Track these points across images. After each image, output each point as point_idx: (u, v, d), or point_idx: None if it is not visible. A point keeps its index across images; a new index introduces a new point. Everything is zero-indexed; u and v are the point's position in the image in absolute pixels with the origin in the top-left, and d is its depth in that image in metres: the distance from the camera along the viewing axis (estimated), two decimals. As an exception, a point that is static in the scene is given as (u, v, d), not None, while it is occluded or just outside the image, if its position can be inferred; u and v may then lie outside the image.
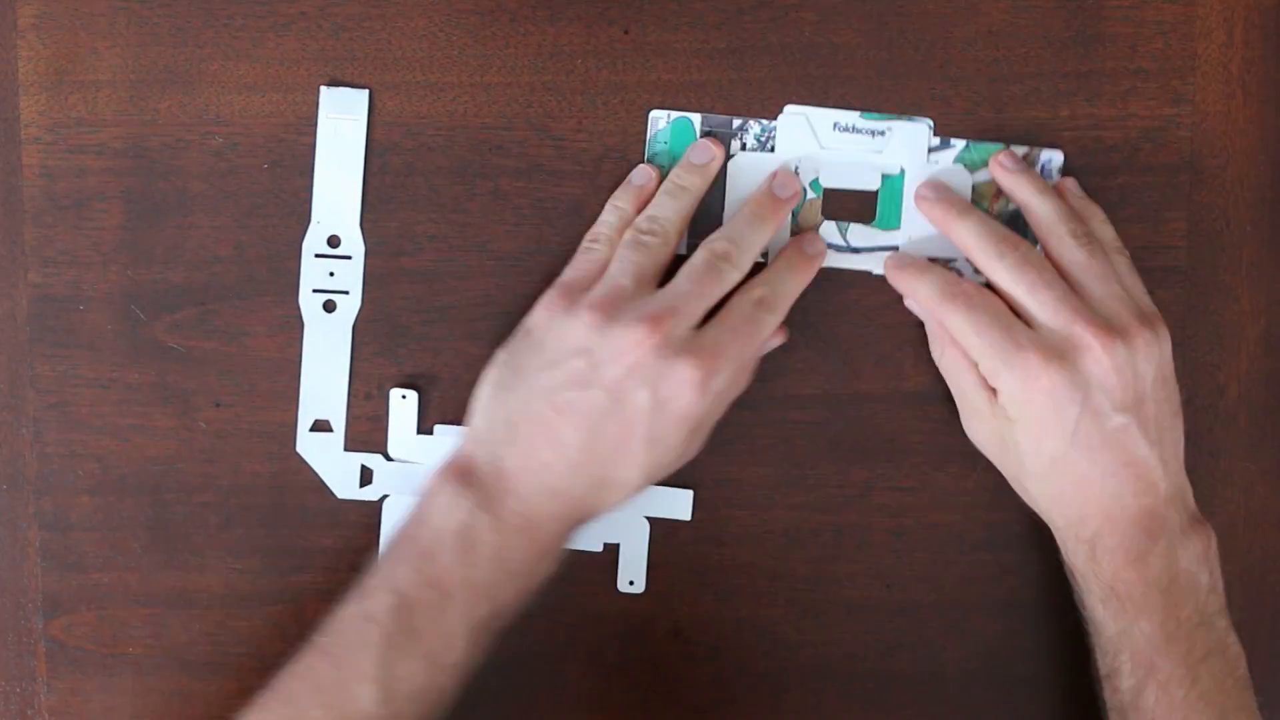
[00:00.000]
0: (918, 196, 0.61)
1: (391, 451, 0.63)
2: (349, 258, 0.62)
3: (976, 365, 0.59)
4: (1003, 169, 0.61)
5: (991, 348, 0.58)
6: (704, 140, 0.62)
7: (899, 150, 0.62)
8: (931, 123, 0.62)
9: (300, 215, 0.63)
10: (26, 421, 0.64)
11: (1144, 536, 0.57)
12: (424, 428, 0.63)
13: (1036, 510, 0.61)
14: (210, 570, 0.64)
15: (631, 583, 0.64)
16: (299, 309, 0.63)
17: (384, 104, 0.62)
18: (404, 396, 0.63)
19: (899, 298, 0.63)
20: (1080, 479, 0.58)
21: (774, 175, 0.61)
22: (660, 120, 0.62)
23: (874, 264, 0.62)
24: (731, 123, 0.62)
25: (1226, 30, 0.62)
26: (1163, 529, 0.58)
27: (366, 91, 0.62)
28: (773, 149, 0.62)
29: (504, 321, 0.63)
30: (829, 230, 0.62)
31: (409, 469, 0.63)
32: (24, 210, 0.63)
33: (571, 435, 0.56)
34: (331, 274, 0.62)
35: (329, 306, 0.62)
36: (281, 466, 0.64)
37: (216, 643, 0.64)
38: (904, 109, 0.62)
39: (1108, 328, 0.57)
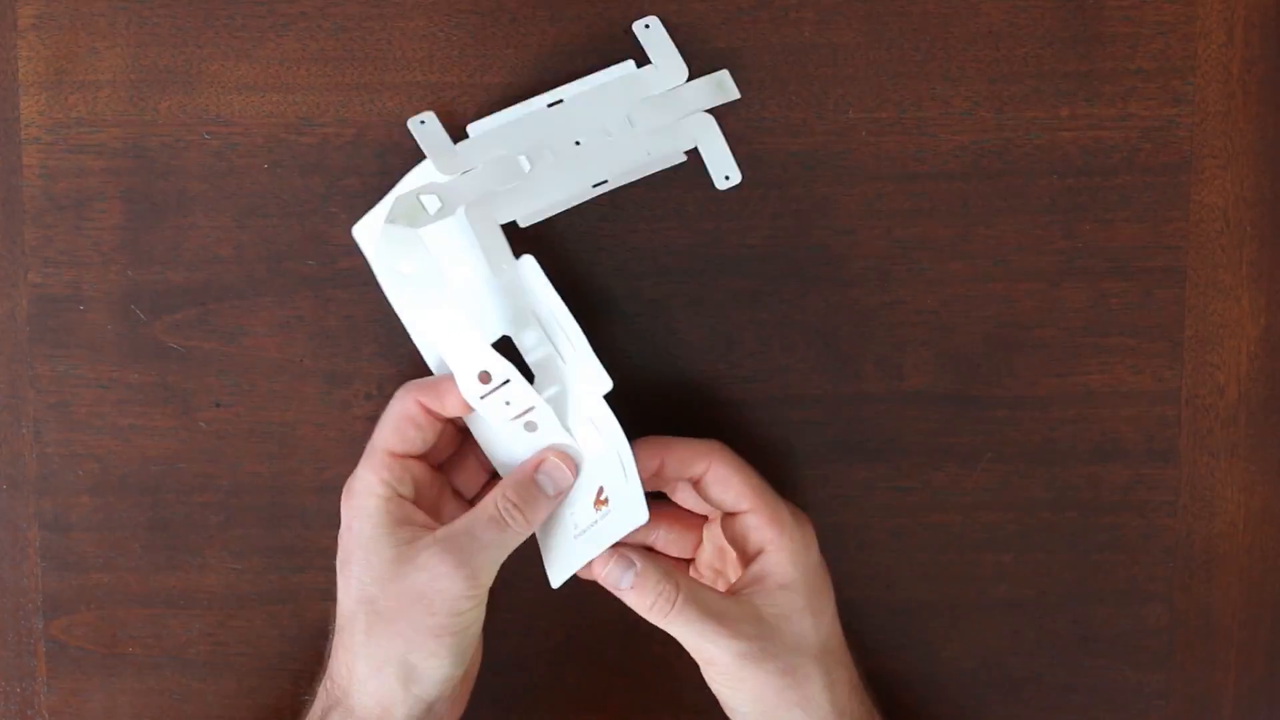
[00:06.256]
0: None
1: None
2: (507, 381, 0.58)
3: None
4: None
5: (770, 492, 0.60)
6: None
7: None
8: None
9: (300, 215, 0.63)
10: (26, 421, 0.64)
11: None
12: (424, 428, 0.63)
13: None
14: (210, 570, 0.64)
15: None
16: (299, 309, 0.63)
17: (384, 104, 0.62)
18: None
19: (899, 298, 0.63)
20: (841, 642, 0.61)
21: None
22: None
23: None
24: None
25: (1226, 30, 0.62)
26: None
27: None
28: None
29: (504, 321, 0.63)
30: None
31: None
32: (24, 210, 0.63)
33: None
34: (507, 403, 0.58)
35: (530, 427, 0.59)
36: (281, 466, 0.64)
37: (216, 643, 0.64)
38: (904, 109, 0.62)
39: None
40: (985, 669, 0.65)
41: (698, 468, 0.59)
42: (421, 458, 0.59)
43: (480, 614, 0.58)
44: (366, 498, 0.58)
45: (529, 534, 0.58)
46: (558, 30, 0.62)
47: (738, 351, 0.63)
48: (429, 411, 0.59)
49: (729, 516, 0.60)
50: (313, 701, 0.59)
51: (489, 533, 0.57)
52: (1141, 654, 0.65)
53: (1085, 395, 0.64)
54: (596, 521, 0.58)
